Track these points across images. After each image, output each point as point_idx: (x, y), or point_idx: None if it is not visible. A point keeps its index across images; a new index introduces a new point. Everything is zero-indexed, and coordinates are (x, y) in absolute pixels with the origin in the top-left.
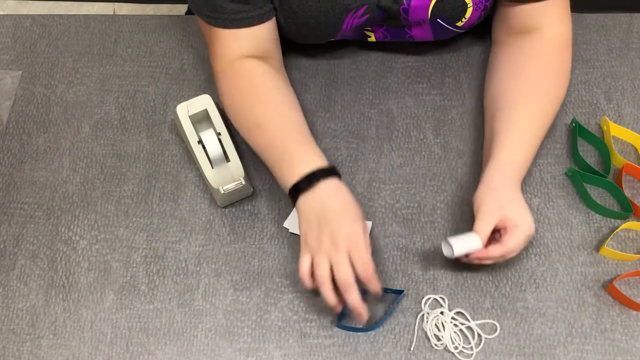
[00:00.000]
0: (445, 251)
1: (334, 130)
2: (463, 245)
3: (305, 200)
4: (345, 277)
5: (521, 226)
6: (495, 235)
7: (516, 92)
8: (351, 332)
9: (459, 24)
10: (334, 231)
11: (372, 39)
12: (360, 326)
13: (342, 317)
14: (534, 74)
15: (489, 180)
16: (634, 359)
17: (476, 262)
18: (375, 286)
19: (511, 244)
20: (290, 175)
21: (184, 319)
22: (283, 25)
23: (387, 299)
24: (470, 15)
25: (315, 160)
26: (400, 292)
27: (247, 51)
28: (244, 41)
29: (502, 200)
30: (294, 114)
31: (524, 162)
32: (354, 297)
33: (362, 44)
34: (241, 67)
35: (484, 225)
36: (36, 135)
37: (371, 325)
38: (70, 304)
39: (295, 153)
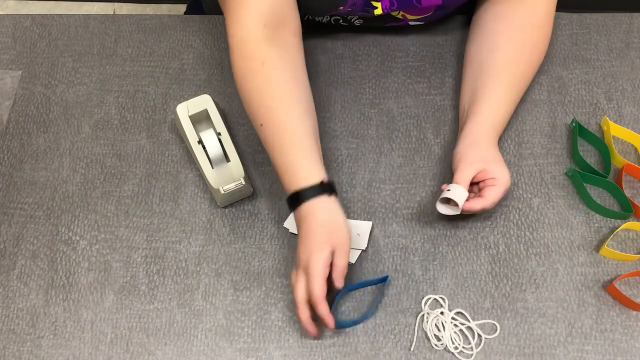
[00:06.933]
0: (445, 210)
1: (334, 130)
2: (460, 197)
3: (294, 215)
4: (296, 296)
5: (499, 180)
6: (474, 188)
7: (503, 51)
8: (351, 330)
9: None
10: (299, 253)
11: (379, 10)
12: (349, 320)
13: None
14: (520, 33)
15: (470, 135)
16: (634, 359)
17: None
18: (321, 312)
19: (491, 197)
20: (286, 187)
21: (184, 319)
22: None
23: (377, 290)
24: None
25: (300, 179)
26: (384, 279)
27: (266, 15)
28: (264, 4)
29: (483, 154)
30: (295, 118)
31: (504, 119)
32: (303, 316)
33: (361, 34)
34: (256, 52)
35: (465, 175)
36: (36, 135)
37: (362, 314)
38: (71, 304)
39: (288, 166)
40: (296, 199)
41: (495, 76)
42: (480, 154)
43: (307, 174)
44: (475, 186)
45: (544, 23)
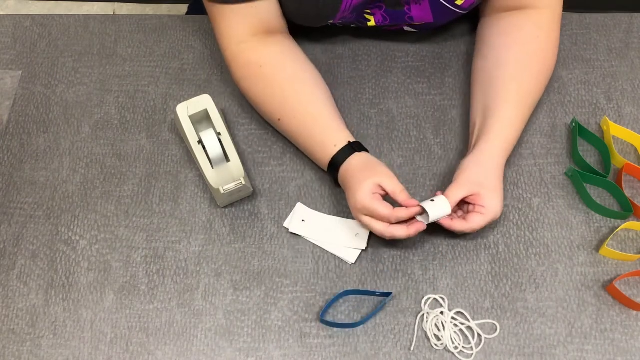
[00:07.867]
0: (419, 218)
1: None
2: (436, 212)
3: (341, 185)
4: (378, 232)
5: (488, 209)
6: (464, 207)
7: (511, 66)
8: (351, 330)
9: (459, 2)
10: (349, 204)
11: (372, 23)
12: (343, 322)
13: (325, 313)
14: (527, 48)
15: (478, 153)
16: (634, 359)
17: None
18: (406, 216)
19: (473, 224)
20: (323, 162)
21: (184, 319)
22: (282, 2)
23: (376, 300)
24: None
25: (330, 148)
26: (388, 294)
27: (254, 27)
28: (250, 17)
29: (482, 178)
30: (308, 98)
31: (515, 137)
32: (399, 234)
33: (361, 35)
34: (251, 57)
35: (456, 192)
36: (36, 135)
37: (355, 322)
38: (70, 304)
39: (317, 142)
40: (334, 167)
41: (504, 93)
42: (480, 177)
43: (335, 141)
44: (465, 206)
45: (550, 37)
